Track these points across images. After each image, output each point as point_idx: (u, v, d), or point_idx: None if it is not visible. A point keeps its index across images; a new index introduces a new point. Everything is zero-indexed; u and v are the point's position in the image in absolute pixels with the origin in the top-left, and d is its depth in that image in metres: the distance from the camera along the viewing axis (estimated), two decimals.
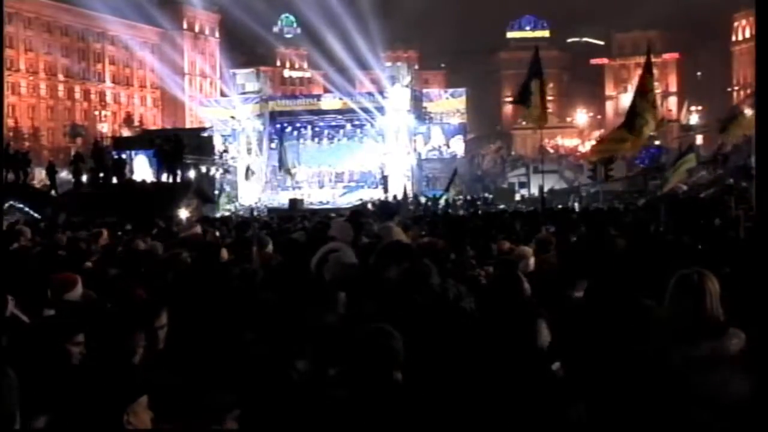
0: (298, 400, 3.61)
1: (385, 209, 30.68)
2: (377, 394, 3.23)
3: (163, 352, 4.29)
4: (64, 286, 5.44)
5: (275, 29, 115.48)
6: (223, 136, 50.42)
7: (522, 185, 50.81)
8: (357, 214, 11.22)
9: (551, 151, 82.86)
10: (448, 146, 52.16)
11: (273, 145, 50.37)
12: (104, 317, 4.35)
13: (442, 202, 39.77)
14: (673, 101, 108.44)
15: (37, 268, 6.70)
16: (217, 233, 12.13)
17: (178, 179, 33.09)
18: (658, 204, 17.17)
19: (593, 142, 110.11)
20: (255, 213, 32.18)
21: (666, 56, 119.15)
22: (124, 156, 36.74)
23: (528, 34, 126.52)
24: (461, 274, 5.98)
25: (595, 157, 16.28)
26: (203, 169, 41.24)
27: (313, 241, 7.06)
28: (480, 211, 30.00)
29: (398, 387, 3.30)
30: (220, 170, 46.49)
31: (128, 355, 3.94)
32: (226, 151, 49.50)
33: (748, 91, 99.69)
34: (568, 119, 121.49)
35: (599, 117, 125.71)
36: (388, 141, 48.70)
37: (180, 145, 33.52)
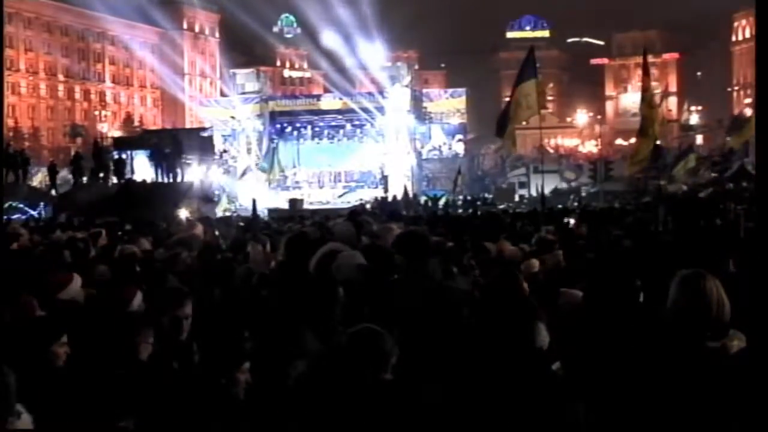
0: (292, 399, 3.61)
1: (385, 208, 30.66)
2: (365, 394, 3.23)
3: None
4: (58, 285, 5.44)
5: (275, 29, 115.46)
6: (223, 136, 50.38)
7: (522, 185, 50.76)
8: (355, 213, 11.18)
9: (551, 151, 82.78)
10: (450, 146, 52.13)
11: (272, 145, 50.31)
12: (105, 318, 4.34)
13: (442, 201, 39.78)
14: (673, 101, 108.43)
15: (39, 268, 6.69)
16: (217, 233, 12.10)
17: (178, 179, 33.10)
18: (657, 204, 17.20)
19: (593, 142, 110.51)
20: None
21: (666, 56, 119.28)
22: (124, 156, 36.72)
23: (528, 34, 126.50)
24: (463, 274, 5.98)
25: (635, 168, 16.41)
26: (203, 169, 41.24)
27: (316, 241, 7.05)
28: (479, 212, 29.97)
29: (387, 388, 3.29)
30: (220, 170, 46.45)
31: (131, 353, 3.94)
32: (226, 151, 49.45)
33: (748, 92, 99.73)
34: (568, 119, 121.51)
35: (599, 117, 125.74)
36: (388, 141, 48.63)
37: (179, 145, 33.55)
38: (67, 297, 5.37)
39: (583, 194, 43.75)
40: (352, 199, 44.02)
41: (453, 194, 42.36)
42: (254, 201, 36.08)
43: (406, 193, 42.52)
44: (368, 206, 34.58)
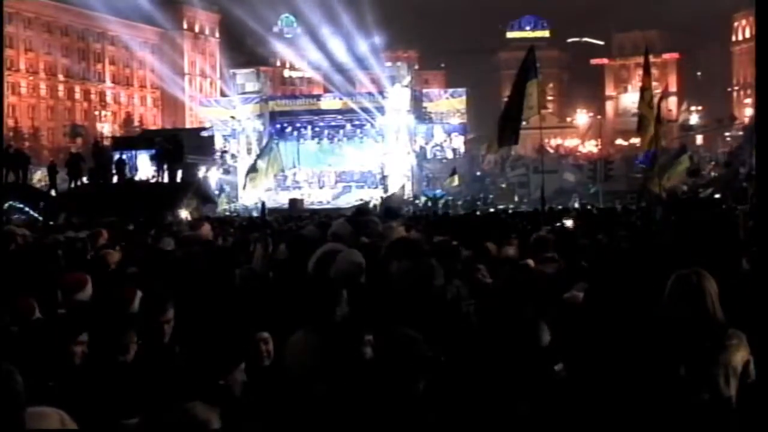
0: (298, 401, 3.60)
1: (386, 208, 30.64)
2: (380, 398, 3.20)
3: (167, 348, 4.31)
4: (74, 286, 5.46)
5: (275, 29, 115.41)
6: (223, 136, 50.41)
7: (522, 185, 50.80)
8: (360, 212, 11.15)
9: (551, 151, 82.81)
10: (450, 141, 52.20)
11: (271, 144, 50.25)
12: (99, 317, 4.35)
13: (441, 202, 39.83)
14: (673, 101, 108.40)
15: (58, 267, 6.72)
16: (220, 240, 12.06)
17: (178, 179, 33.06)
18: (655, 204, 17.22)
19: (593, 142, 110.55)
20: (256, 213, 32.10)
21: (666, 56, 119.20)
22: (124, 156, 36.67)
23: (528, 34, 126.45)
24: (468, 275, 5.97)
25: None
26: (203, 169, 41.24)
27: (319, 239, 7.07)
28: (478, 212, 29.98)
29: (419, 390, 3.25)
30: (220, 170, 46.44)
31: (120, 354, 3.95)
32: (226, 151, 49.44)
33: (748, 91, 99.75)
34: (568, 119, 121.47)
35: (599, 117, 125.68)
36: (388, 141, 48.64)
37: (180, 145, 33.54)
38: (83, 298, 5.40)
39: (583, 193, 43.83)
40: (351, 200, 44.04)
41: (445, 195, 42.45)
42: (263, 204, 35.95)
43: (403, 192, 42.60)
44: (371, 205, 34.59)
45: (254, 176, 44.04)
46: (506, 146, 14.84)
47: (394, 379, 3.23)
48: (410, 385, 3.23)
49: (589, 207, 28.68)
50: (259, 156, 46.25)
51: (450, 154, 52.07)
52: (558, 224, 13.66)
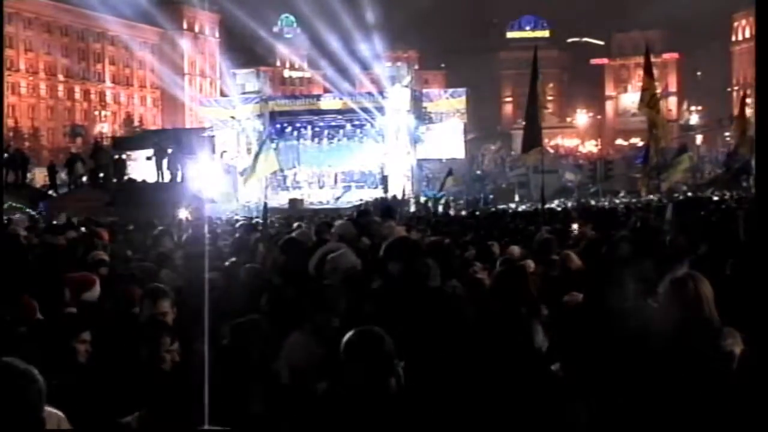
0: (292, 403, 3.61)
1: (384, 208, 30.61)
2: (371, 397, 3.21)
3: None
4: (82, 286, 5.48)
5: (275, 29, 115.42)
6: (223, 136, 50.33)
7: (522, 185, 50.82)
8: (363, 214, 11.18)
9: (551, 151, 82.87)
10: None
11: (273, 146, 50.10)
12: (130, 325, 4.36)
13: (442, 202, 39.84)
14: (672, 101, 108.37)
15: (62, 267, 6.74)
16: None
17: (178, 179, 33.07)
18: (663, 205, 17.22)
19: (593, 142, 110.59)
20: (257, 213, 32.06)
21: (666, 56, 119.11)
22: (124, 156, 36.66)
23: (528, 34, 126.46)
24: (464, 274, 5.98)
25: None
26: (204, 169, 41.15)
27: (318, 241, 7.08)
28: (477, 212, 29.98)
29: (391, 389, 3.27)
30: (221, 170, 46.37)
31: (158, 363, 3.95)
32: (225, 151, 49.39)
33: (748, 91, 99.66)
34: (568, 119, 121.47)
35: (599, 117, 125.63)
36: (388, 141, 48.58)
37: (180, 145, 33.57)
38: (90, 298, 5.41)
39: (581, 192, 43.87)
40: (353, 199, 44.03)
41: (443, 195, 42.46)
42: (265, 204, 35.78)
43: (403, 193, 42.58)
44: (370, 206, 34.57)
45: (249, 176, 43.93)
46: (536, 149, 14.92)
47: (363, 376, 3.24)
48: (380, 382, 3.24)
49: (587, 205, 28.70)
50: (256, 155, 46.13)
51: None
52: (560, 225, 13.68)
